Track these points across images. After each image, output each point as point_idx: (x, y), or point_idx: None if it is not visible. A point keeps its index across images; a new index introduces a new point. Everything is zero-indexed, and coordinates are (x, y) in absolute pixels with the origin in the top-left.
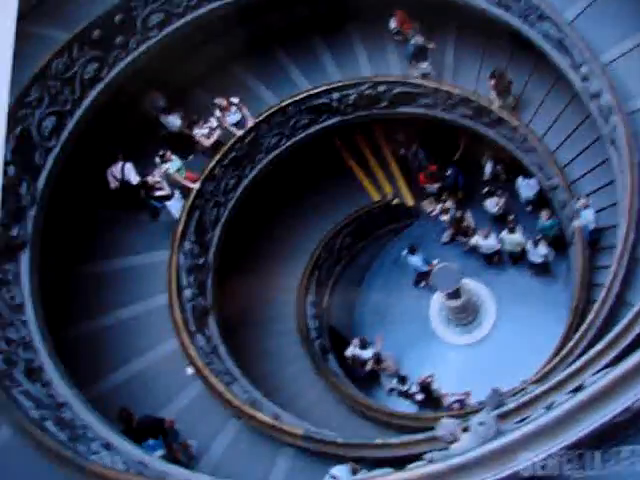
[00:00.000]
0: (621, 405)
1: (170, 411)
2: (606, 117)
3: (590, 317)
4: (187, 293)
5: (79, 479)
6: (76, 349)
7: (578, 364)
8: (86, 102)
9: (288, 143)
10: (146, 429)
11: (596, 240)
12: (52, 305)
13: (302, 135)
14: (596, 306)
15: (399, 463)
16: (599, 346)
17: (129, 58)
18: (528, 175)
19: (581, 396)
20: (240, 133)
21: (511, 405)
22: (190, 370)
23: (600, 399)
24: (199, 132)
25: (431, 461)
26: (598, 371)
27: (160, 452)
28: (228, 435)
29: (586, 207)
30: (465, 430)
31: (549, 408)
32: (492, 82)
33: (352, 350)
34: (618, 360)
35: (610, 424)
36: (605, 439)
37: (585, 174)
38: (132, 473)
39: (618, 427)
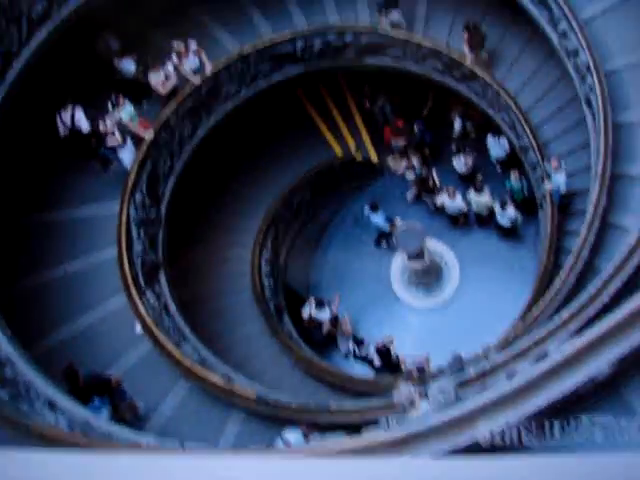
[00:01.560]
0: (585, 375)
1: (117, 369)
2: (583, 76)
3: (557, 283)
4: (137, 247)
5: (23, 439)
6: (20, 303)
7: (542, 332)
8: (34, 43)
9: (248, 92)
10: (92, 387)
11: (567, 204)
12: None
13: (263, 84)
14: (563, 272)
15: (354, 429)
16: (565, 313)
17: None
18: (499, 134)
19: (544, 365)
20: (197, 81)
21: (472, 372)
22: (139, 328)
23: (564, 368)
24: (154, 78)
25: (387, 428)
26: (563, 340)
27: (106, 412)
28: (177, 396)
29: (558, 170)
30: (423, 396)
31: (511, 376)
32: (465, 35)
33: (308, 310)
34: (584, 328)
35: (572, 394)
36: (566, 409)
37: (558, 135)
38: (77, 434)
39: (579, 397)
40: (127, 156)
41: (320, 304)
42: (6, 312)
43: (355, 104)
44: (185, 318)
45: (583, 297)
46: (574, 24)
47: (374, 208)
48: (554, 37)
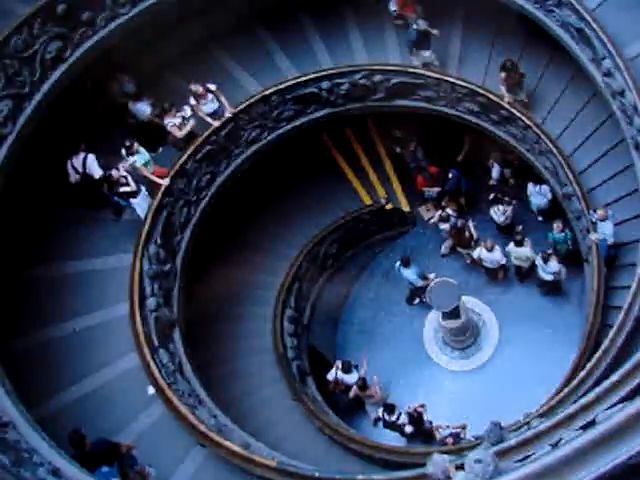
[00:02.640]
0: (638, 444)
1: (128, 435)
2: (630, 118)
3: (605, 343)
4: (150, 303)
5: None
6: (25, 362)
7: (590, 396)
8: (46, 85)
9: (270, 137)
10: (100, 454)
11: (614, 257)
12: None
13: (286, 128)
14: (612, 331)
15: None
16: (615, 377)
17: (96, 37)
18: (540, 181)
19: (592, 433)
20: (216, 124)
21: (512, 441)
22: (151, 390)
23: (614, 437)
24: (171, 122)
25: None
26: (613, 405)
27: None
28: (192, 464)
29: (604, 219)
30: (459, 468)
31: (555, 446)
32: (502, 75)
33: (334, 374)
34: (636, 393)
35: (624, 466)
36: None
37: (604, 182)
38: None
39: (633, 470)
40: (141, 204)
41: (347, 367)
42: (11, 371)
43: (385, 149)
44: (201, 380)
45: (635, 358)
46: (619, 62)
47: (406, 262)
48: (597, 76)
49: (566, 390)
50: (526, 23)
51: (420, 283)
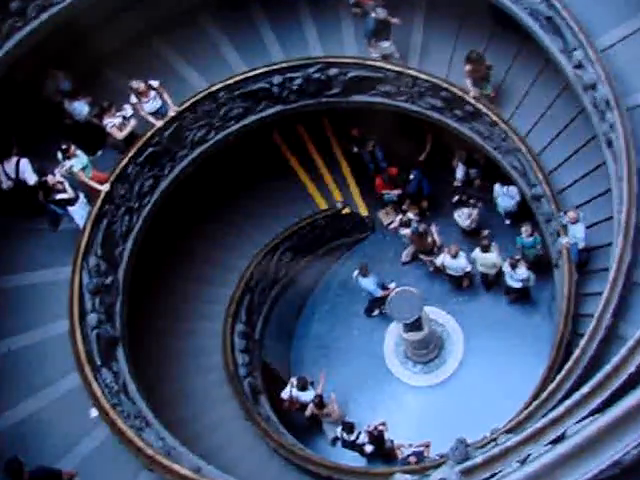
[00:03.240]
0: (609, 458)
1: (70, 461)
2: (602, 113)
3: (576, 353)
4: (91, 319)
5: None
6: None
7: (560, 410)
8: None
9: (217, 137)
10: None
11: (586, 261)
12: None
13: (235, 127)
14: (583, 340)
15: None
16: (585, 388)
17: (28, 28)
18: (508, 182)
19: (562, 448)
20: (159, 124)
21: (478, 458)
22: (94, 412)
23: (585, 451)
24: (110, 122)
25: None
26: (583, 418)
27: None
28: None
29: (575, 221)
30: None
31: (524, 462)
32: (468, 67)
33: (289, 392)
34: (607, 405)
35: None
36: None
37: (575, 182)
38: None
39: None
40: (79, 213)
41: (303, 385)
42: None
43: (341, 150)
44: (147, 400)
45: (606, 369)
46: (590, 53)
47: (364, 271)
48: (568, 68)
49: (535, 404)
50: (493, 11)
51: (379, 293)
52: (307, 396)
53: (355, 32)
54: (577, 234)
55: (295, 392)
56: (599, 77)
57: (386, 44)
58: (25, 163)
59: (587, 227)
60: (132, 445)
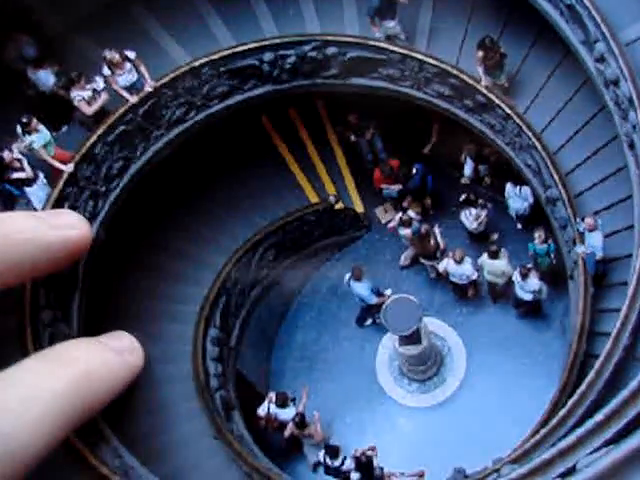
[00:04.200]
0: None
1: None
2: (625, 112)
3: (590, 376)
4: (45, 316)
5: None
6: None
7: (570, 439)
8: None
9: (198, 117)
10: None
11: (603, 274)
12: None
13: (218, 107)
14: (599, 362)
15: None
16: (599, 416)
17: None
18: (520, 181)
19: None
20: (134, 99)
21: None
22: None
23: None
24: (78, 95)
25: None
26: (596, 449)
27: None
28: None
29: (593, 229)
30: None
31: None
32: (480, 54)
33: (267, 408)
34: (623, 436)
35: None
36: None
37: (594, 185)
38: None
39: None
40: (38, 194)
41: (283, 401)
42: None
43: (337, 137)
44: (104, 413)
45: (623, 394)
46: (614, 46)
47: (357, 274)
48: (589, 61)
49: (543, 431)
50: None
51: (374, 300)
52: (287, 414)
53: (357, 8)
54: (594, 243)
55: (273, 409)
56: (622, 73)
57: (391, 24)
58: None
59: (605, 236)
60: (85, 464)
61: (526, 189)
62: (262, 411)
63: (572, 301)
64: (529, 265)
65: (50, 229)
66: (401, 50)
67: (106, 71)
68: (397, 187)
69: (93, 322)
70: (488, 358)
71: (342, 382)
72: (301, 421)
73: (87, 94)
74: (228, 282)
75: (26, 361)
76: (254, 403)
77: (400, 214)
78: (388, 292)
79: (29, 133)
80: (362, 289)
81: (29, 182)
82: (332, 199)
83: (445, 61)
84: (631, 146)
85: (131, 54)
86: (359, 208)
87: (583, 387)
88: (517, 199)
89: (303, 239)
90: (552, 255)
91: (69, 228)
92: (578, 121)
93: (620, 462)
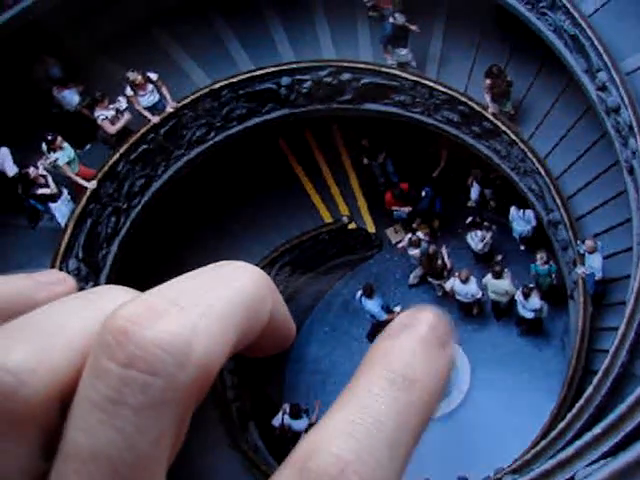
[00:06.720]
0: None
1: None
2: (625, 138)
3: (589, 391)
4: None
5: None
6: None
7: (569, 451)
8: None
9: (217, 137)
10: None
11: (602, 294)
12: None
13: (237, 129)
14: (597, 377)
15: None
16: (597, 429)
17: (18, 7)
18: (524, 205)
19: None
20: (155, 120)
21: None
22: None
23: None
24: (102, 114)
25: None
26: (594, 462)
27: None
28: None
29: (593, 251)
30: None
31: None
32: (488, 81)
33: (281, 419)
34: (620, 449)
35: None
36: None
37: (595, 209)
38: None
39: None
40: (61, 210)
41: (296, 412)
42: None
43: (350, 160)
44: None
45: (620, 409)
46: (615, 75)
47: (368, 292)
48: (591, 89)
49: (543, 443)
50: (516, 26)
51: (384, 317)
52: (300, 425)
53: (371, 36)
54: (594, 264)
55: (287, 420)
56: (623, 101)
57: (403, 51)
58: (5, 153)
59: (605, 257)
60: None
61: (529, 212)
62: (276, 422)
63: (572, 319)
64: (531, 285)
65: None
66: (412, 77)
67: (129, 92)
68: (407, 209)
69: None
70: (491, 373)
71: None
72: None
73: (110, 113)
74: None
75: None
76: (269, 414)
77: (410, 235)
78: (397, 309)
79: (54, 150)
80: (373, 306)
81: (53, 198)
82: (345, 219)
83: (454, 88)
84: (631, 171)
85: (153, 76)
86: (371, 228)
87: (582, 401)
88: (521, 222)
89: (317, 257)
90: (553, 276)
91: None
92: (580, 147)
93: (617, 474)
